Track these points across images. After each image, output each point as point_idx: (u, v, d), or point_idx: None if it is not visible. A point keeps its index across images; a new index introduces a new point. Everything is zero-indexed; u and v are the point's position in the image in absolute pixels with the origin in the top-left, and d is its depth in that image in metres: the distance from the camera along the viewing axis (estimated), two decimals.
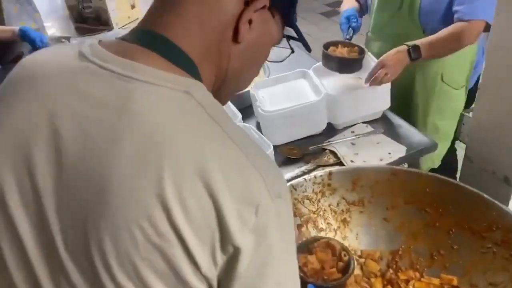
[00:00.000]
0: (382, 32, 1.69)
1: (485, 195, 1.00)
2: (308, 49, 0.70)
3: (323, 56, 1.46)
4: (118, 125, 0.49)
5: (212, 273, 0.50)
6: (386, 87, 1.42)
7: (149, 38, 0.57)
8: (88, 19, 2.46)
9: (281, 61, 0.72)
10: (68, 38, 2.30)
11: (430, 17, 1.52)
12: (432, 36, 1.46)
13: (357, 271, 1.08)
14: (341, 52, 1.46)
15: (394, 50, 1.43)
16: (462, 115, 1.19)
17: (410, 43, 1.42)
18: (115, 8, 2.38)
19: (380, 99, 1.43)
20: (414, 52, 1.41)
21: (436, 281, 1.02)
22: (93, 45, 0.57)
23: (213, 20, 0.57)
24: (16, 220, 0.51)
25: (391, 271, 1.07)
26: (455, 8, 1.46)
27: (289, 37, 0.68)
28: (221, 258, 0.49)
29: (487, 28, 1.45)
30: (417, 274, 1.05)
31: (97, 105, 0.51)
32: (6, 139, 0.53)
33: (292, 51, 0.70)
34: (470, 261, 1.00)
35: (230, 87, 0.66)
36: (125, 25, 2.46)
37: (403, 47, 1.42)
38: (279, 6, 0.62)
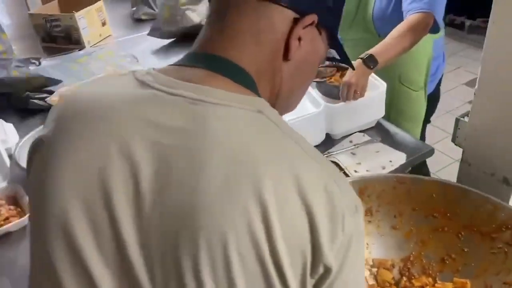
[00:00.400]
0: (342, 38, 1.75)
1: (492, 197, 1.02)
2: (352, 67, 0.70)
3: (318, 83, 1.46)
4: (199, 149, 0.49)
5: None
6: (381, 96, 1.44)
7: (210, 60, 0.56)
8: (57, 38, 2.37)
9: (324, 80, 0.72)
10: (37, 59, 2.21)
11: (382, 22, 1.61)
12: (385, 39, 1.47)
13: (371, 281, 1.08)
14: (335, 78, 1.46)
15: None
16: (457, 120, 1.22)
17: (363, 54, 1.42)
18: (87, 26, 2.31)
19: (375, 108, 1.45)
20: (370, 62, 1.41)
21: (450, 285, 1.04)
22: (152, 73, 0.55)
23: (265, 38, 0.57)
24: (86, 254, 0.48)
25: (404, 279, 1.08)
26: (406, 5, 1.49)
27: (333, 59, 0.68)
28: (310, 284, 0.49)
29: (434, 29, 1.51)
30: (431, 280, 1.07)
31: (172, 131, 0.50)
32: (79, 173, 0.50)
33: (337, 69, 0.70)
34: (482, 262, 1.02)
35: (281, 108, 0.65)
36: (97, 43, 2.39)
37: (358, 61, 1.41)
38: (326, 22, 0.62)
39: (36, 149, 0.55)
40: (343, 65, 1.38)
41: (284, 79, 0.61)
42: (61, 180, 0.50)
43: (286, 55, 0.59)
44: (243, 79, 0.56)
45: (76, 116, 0.54)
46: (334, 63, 1.39)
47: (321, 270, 0.49)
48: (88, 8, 2.32)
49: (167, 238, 0.47)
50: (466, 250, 1.05)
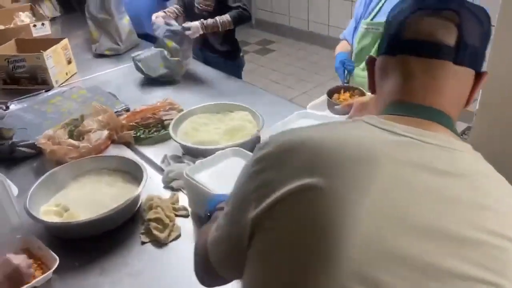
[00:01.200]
0: (362, 54, 1.81)
1: None
2: None
3: (329, 104, 1.53)
4: (465, 187, 0.60)
5: None
6: None
7: (430, 112, 0.68)
8: (20, 79, 2.26)
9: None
10: (4, 103, 2.09)
11: None
12: None
13: None
14: (345, 98, 1.53)
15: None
16: None
17: None
18: (54, 65, 2.23)
19: None
20: None
21: None
22: (384, 122, 0.65)
23: (462, 93, 0.72)
24: None
25: None
26: None
27: None
28: None
29: None
30: None
31: (438, 173, 0.60)
32: (379, 213, 0.57)
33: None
34: None
35: None
36: (64, 82, 2.31)
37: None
38: None
39: (305, 195, 0.59)
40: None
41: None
42: (358, 223, 0.55)
43: (467, 104, 0.75)
44: (453, 128, 0.69)
45: (349, 161, 0.60)
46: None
47: None
48: (55, 46, 2.25)
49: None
50: None
